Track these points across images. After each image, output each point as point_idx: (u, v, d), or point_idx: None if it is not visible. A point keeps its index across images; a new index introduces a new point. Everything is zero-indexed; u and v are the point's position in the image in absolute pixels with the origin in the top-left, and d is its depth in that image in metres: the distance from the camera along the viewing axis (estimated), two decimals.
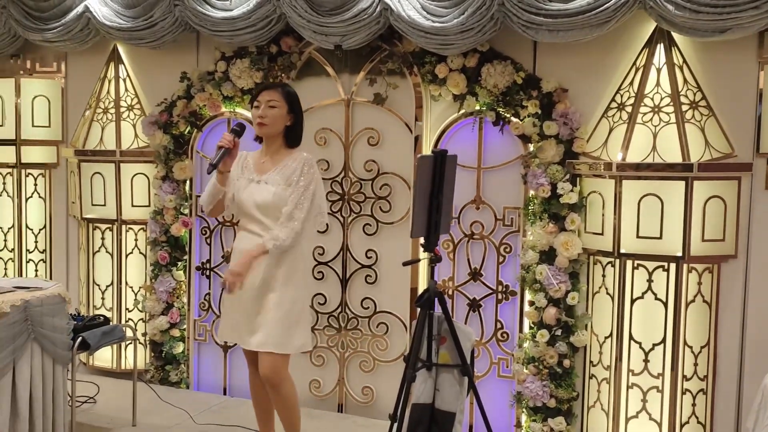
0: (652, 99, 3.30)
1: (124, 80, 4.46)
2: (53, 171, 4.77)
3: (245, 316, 2.92)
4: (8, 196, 4.78)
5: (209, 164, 2.90)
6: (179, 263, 4.31)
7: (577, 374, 3.52)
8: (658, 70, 3.30)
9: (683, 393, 3.28)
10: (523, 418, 3.61)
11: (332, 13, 3.63)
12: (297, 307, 2.93)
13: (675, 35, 3.27)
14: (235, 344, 3.87)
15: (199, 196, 3.98)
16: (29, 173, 4.75)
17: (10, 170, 4.75)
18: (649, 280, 3.29)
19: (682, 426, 3.29)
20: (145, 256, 4.43)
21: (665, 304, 3.26)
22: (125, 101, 4.44)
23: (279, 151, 2.99)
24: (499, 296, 3.70)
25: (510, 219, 3.66)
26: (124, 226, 4.43)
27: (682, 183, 3.17)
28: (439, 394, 2.85)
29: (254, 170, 2.98)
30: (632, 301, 3.33)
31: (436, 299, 2.81)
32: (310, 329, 3.03)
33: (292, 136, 3.02)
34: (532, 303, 3.54)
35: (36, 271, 4.80)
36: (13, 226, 4.79)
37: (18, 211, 4.76)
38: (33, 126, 4.68)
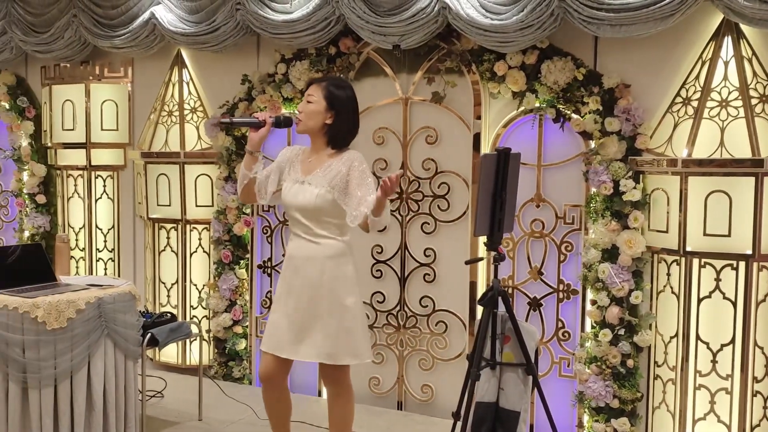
0: (720, 93, 3.21)
1: (188, 84, 4.58)
2: (121, 173, 4.94)
3: (290, 323, 2.73)
4: (79, 197, 4.97)
5: (229, 118, 2.90)
6: (242, 261, 4.40)
7: (641, 374, 3.46)
8: (726, 63, 3.22)
9: (754, 395, 3.19)
10: (585, 418, 3.57)
11: (390, 14, 3.66)
12: (345, 314, 2.70)
13: (743, 27, 3.18)
14: None
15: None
16: (98, 175, 4.92)
17: (81, 172, 4.93)
18: (717, 279, 3.21)
19: (752, 429, 3.19)
20: (208, 255, 4.55)
21: (734, 304, 3.17)
22: (188, 104, 4.57)
23: (324, 151, 2.78)
24: (561, 295, 3.66)
25: (571, 217, 3.63)
26: (188, 226, 4.56)
27: (752, 179, 3.08)
28: (504, 393, 2.84)
29: (300, 170, 2.79)
30: (699, 301, 3.25)
31: (500, 298, 2.79)
32: (367, 338, 2.82)
33: (332, 136, 2.76)
34: (594, 302, 3.50)
35: (105, 269, 4.98)
36: (83, 226, 4.97)
37: (88, 211, 4.95)
38: (102, 129, 4.84)
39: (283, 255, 4.22)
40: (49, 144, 4.97)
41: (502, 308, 2.87)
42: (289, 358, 2.76)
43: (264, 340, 2.85)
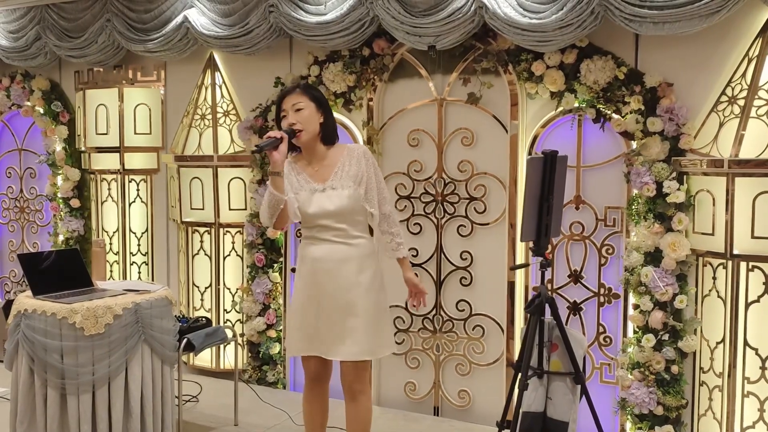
0: None
1: (220, 87, 4.57)
2: (154, 176, 4.94)
3: (329, 325, 2.75)
4: (113, 201, 4.99)
5: (254, 145, 2.87)
6: (275, 265, 4.38)
7: (686, 381, 3.37)
8: None
9: None
10: (628, 425, 3.48)
11: (426, 14, 3.61)
12: (381, 310, 2.82)
13: None
14: None
15: None
16: (132, 179, 4.94)
17: (114, 176, 4.95)
18: (766, 283, 3.11)
19: None
20: (242, 259, 4.53)
21: None
22: (221, 107, 4.55)
23: (323, 153, 2.81)
24: (601, 299, 3.58)
25: (612, 219, 3.54)
26: (221, 229, 4.55)
27: None
28: (551, 403, 2.77)
29: (312, 180, 2.78)
30: (747, 305, 3.15)
31: (547, 305, 2.72)
32: (393, 331, 2.97)
33: (326, 134, 2.81)
34: (636, 306, 3.41)
35: (139, 273, 4.99)
36: (117, 229, 4.99)
37: (122, 215, 4.96)
38: (135, 133, 4.85)
39: None
40: (83, 148, 4.99)
41: (548, 315, 2.80)
42: (335, 359, 2.78)
43: (298, 346, 2.82)
